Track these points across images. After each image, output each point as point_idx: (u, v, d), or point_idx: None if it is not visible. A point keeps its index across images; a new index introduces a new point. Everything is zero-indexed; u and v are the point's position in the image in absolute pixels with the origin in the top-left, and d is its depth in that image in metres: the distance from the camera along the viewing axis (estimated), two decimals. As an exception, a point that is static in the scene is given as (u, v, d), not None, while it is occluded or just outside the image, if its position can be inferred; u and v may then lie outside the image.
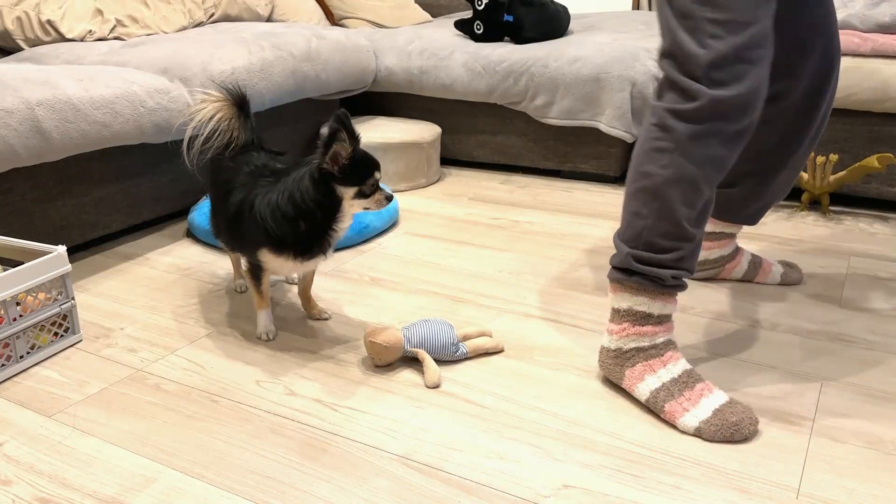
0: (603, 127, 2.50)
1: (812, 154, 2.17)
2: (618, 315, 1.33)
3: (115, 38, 2.51)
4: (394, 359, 1.45)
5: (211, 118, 1.54)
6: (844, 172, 2.16)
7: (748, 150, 1.56)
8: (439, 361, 1.46)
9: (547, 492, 1.11)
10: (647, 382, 1.30)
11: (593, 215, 2.30)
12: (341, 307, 1.72)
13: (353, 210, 1.42)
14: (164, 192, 2.19)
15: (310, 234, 1.41)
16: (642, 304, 1.30)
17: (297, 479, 1.15)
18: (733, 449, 1.20)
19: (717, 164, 1.24)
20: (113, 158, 2.04)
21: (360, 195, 1.40)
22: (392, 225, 2.23)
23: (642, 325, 1.30)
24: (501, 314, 1.67)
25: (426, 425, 1.28)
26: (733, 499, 1.09)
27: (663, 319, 1.31)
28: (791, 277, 1.79)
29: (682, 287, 1.31)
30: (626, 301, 1.31)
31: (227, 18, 2.84)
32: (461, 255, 1.99)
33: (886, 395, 1.34)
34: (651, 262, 1.28)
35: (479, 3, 2.74)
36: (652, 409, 1.29)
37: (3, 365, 1.44)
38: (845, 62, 2.16)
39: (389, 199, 1.45)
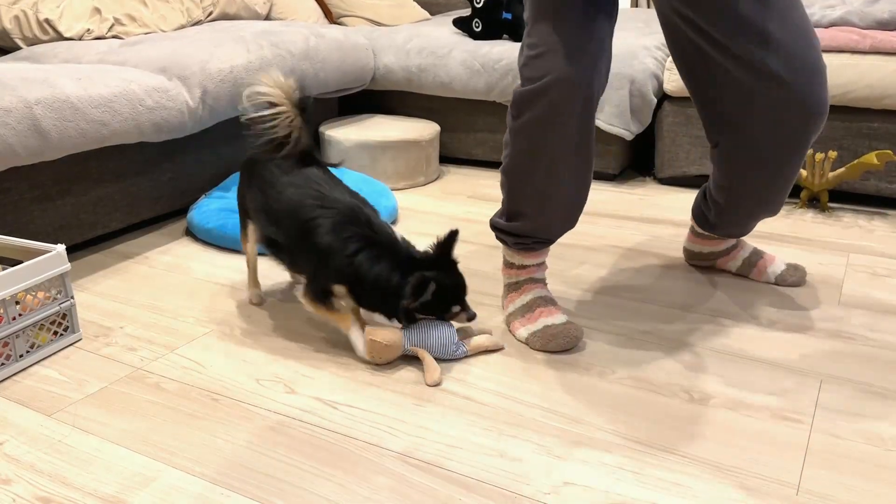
0: (602, 124, 2.50)
1: (811, 151, 2.17)
2: (503, 260, 1.66)
3: (114, 37, 2.51)
4: (393, 357, 1.45)
5: (272, 105, 1.46)
6: (843, 169, 2.16)
7: (723, 170, 1.57)
8: (440, 360, 1.46)
9: (547, 489, 1.11)
10: (508, 309, 1.61)
11: (592, 213, 2.30)
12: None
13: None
14: (163, 192, 2.19)
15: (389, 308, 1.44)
16: (510, 255, 1.62)
17: (298, 478, 1.15)
18: (733, 445, 1.20)
19: (541, 149, 1.43)
20: (112, 157, 2.03)
21: (440, 318, 1.48)
22: (391, 223, 2.23)
23: (510, 269, 1.63)
24: (501, 312, 1.67)
25: (426, 423, 1.28)
26: (733, 496, 1.09)
27: (525, 267, 1.60)
28: (787, 279, 1.76)
29: (531, 249, 1.57)
30: (503, 252, 1.64)
31: (225, 17, 2.84)
32: (460, 254, 1.99)
33: (886, 391, 1.34)
34: (499, 228, 1.59)
35: (478, 0, 2.74)
36: (506, 327, 1.60)
37: (2, 364, 1.44)
38: (844, 59, 2.16)
39: (472, 318, 1.47)
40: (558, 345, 1.48)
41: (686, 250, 1.88)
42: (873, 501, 1.08)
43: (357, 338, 1.47)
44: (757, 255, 1.80)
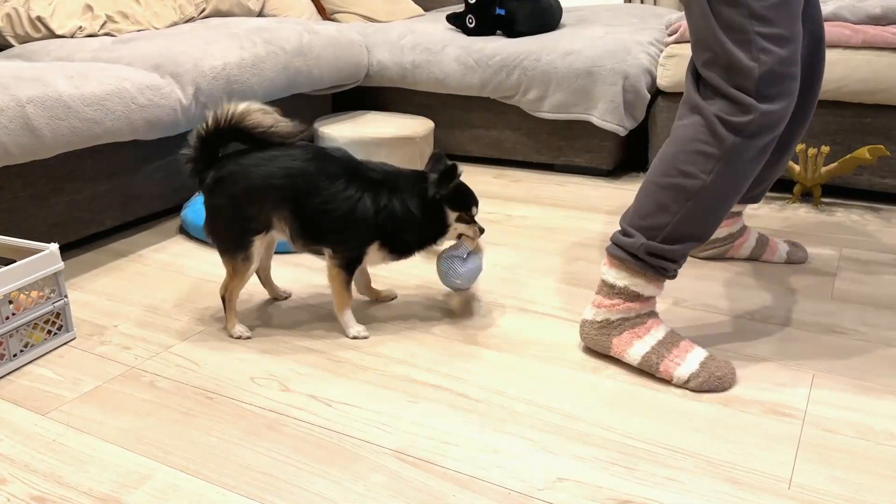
0: (596, 120, 2.50)
1: (804, 146, 2.18)
2: (612, 291, 1.39)
3: (106, 35, 2.50)
4: None
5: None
6: (836, 164, 2.17)
7: None
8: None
9: (541, 485, 1.12)
10: (636, 348, 1.38)
11: (587, 209, 2.30)
12: (332, 304, 1.72)
13: (455, 233, 1.59)
14: (156, 189, 2.19)
15: (417, 241, 1.57)
16: (639, 286, 1.37)
17: (293, 475, 1.15)
18: (726, 440, 1.21)
19: (748, 175, 1.30)
20: (105, 156, 2.03)
21: (462, 220, 1.58)
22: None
23: (632, 302, 1.39)
24: (495, 308, 1.67)
25: (421, 420, 1.28)
26: (726, 490, 1.10)
27: (650, 299, 1.40)
28: (797, 256, 1.85)
29: (675, 276, 1.40)
30: (625, 280, 1.37)
31: (218, 14, 2.83)
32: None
33: (878, 385, 1.35)
34: (663, 255, 1.34)
35: (472, -4, 2.74)
36: (646, 370, 1.38)
37: (-4, 363, 1.44)
38: (836, 54, 2.17)
39: (482, 231, 1.62)
40: (724, 388, 1.34)
41: None
42: (865, 495, 1.08)
43: (350, 317, 1.57)
44: (764, 236, 1.86)
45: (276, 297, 1.74)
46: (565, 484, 1.12)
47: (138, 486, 1.14)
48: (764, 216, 2.19)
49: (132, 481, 1.15)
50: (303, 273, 1.88)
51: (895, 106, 2.16)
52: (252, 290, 1.77)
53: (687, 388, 1.34)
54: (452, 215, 1.56)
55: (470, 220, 1.58)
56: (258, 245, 1.52)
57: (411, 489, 1.12)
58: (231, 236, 1.51)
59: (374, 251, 1.55)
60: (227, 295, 1.57)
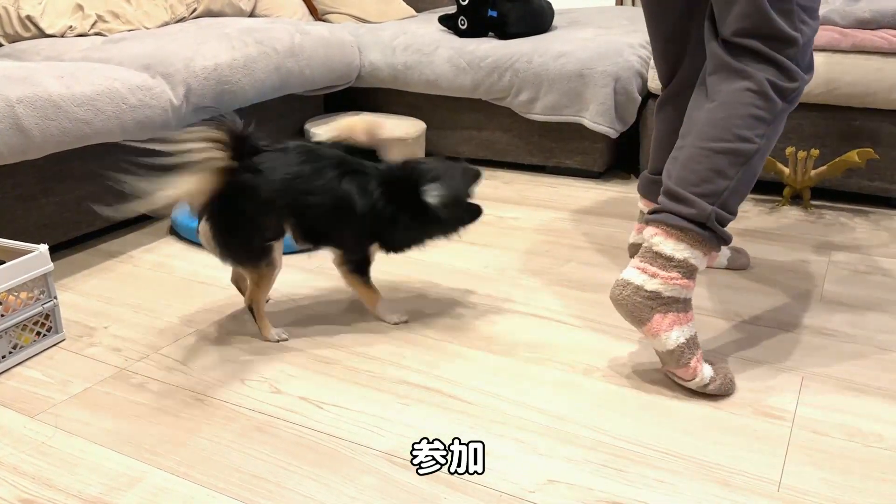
0: (587, 122, 2.51)
1: (793, 149, 2.19)
2: (670, 263, 1.31)
3: (97, 34, 2.49)
4: None
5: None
6: (825, 167, 2.18)
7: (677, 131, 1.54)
8: None
9: (532, 487, 1.12)
10: (676, 333, 1.31)
11: (578, 211, 2.30)
12: (325, 304, 1.72)
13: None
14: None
15: (413, 240, 1.57)
16: (697, 258, 1.31)
17: (284, 478, 1.15)
18: (716, 442, 1.21)
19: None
20: (95, 155, 2.02)
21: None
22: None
23: (688, 279, 1.31)
24: (486, 310, 1.68)
25: (412, 422, 1.28)
26: (716, 492, 1.11)
27: (696, 276, 1.34)
28: (738, 262, 1.86)
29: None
30: (685, 252, 1.30)
31: (209, 14, 2.82)
32: (445, 252, 1.99)
33: (866, 387, 1.36)
34: (725, 222, 1.32)
35: (464, -2, 2.74)
36: (673, 360, 1.32)
37: (-15, 365, 1.43)
38: (825, 57, 2.18)
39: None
40: (734, 387, 1.36)
41: (634, 245, 1.87)
42: (854, 496, 1.09)
43: (385, 306, 1.61)
44: None
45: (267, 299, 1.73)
46: (556, 486, 1.12)
47: (128, 489, 1.13)
48: (753, 218, 2.20)
49: (121, 484, 1.14)
50: (295, 274, 1.88)
51: (884, 109, 2.17)
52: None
53: (706, 391, 1.32)
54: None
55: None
56: (278, 248, 1.51)
57: (402, 491, 1.12)
58: (251, 247, 1.48)
59: (375, 250, 1.58)
60: (254, 305, 1.55)
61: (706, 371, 1.33)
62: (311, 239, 1.52)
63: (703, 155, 1.31)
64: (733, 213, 1.33)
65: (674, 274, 1.30)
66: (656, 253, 1.32)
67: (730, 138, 1.30)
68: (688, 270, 1.31)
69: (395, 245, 1.57)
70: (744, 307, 1.67)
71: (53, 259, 1.54)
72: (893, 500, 1.08)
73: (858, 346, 1.50)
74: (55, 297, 1.54)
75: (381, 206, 1.49)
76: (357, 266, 1.57)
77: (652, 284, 1.30)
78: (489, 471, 1.16)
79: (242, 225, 1.46)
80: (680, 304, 1.32)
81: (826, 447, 1.20)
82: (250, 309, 1.56)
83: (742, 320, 1.61)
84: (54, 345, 1.55)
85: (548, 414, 1.30)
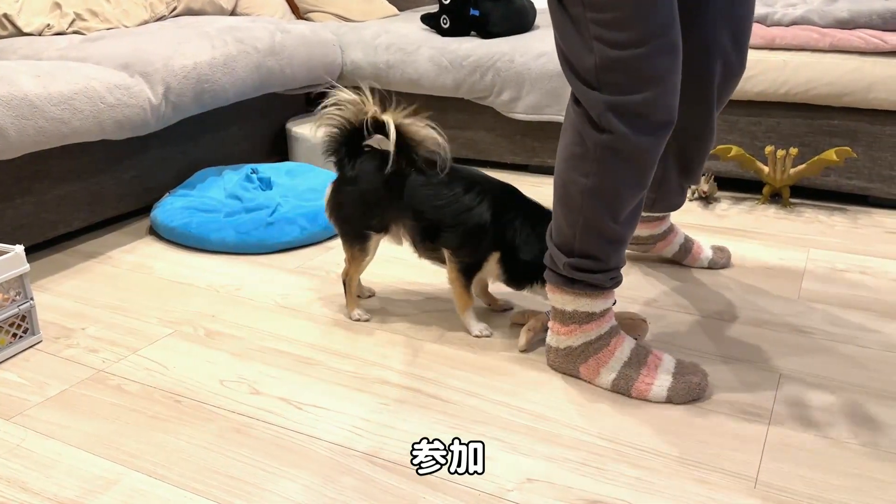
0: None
1: (772, 148, 2.21)
2: (563, 316, 1.35)
3: (75, 33, 2.46)
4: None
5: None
6: (804, 166, 2.20)
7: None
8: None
9: (511, 486, 1.12)
10: (603, 375, 1.34)
11: (560, 210, 2.31)
12: (306, 304, 1.71)
13: None
14: (126, 189, 2.16)
15: (532, 270, 1.48)
16: (585, 305, 1.33)
17: (263, 479, 1.14)
18: (694, 440, 1.22)
19: (638, 170, 1.21)
20: (74, 155, 2.00)
21: None
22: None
23: (587, 324, 1.34)
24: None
25: (392, 422, 1.28)
26: (694, 490, 1.11)
27: (605, 312, 1.35)
28: (720, 261, 1.86)
29: (619, 283, 1.35)
30: (570, 304, 1.34)
31: (189, 12, 2.80)
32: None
33: (843, 385, 1.37)
34: (588, 268, 1.30)
35: (446, -3, 2.74)
36: (624, 388, 1.33)
37: (-41, 368, 1.41)
38: (804, 57, 2.20)
39: None
40: (704, 393, 1.32)
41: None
42: (829, 493, 1.10)
43: (472, 317, 1.56)
44: (690, 241, 1.86)
45: (360, 295, 1.73)
46: (535, 485, 1.12)
47: (104, 492, 1.12)
48: (733, 217, 2.21)
49: (98, 486, 1.13)
50: (278, 274, 1.87)
51: (861, 109, 2.19)
52: (230, 294, 1.76)
53: (672, 402, 1.31)
54: None
55: None
56: (375, 241, 1.58)
57: (382, 492, 1.11)
58: (353, 228, 1.57)
59: (493, 263, 1.51)
60: (347, 280, 1.62)
61: (656, 391, 1.31)
62: (429, 239, 1.53)
63: (553, 205, 1.33)
64: (595, 257, 1.28)
65: (571, 326, 1.34)
66: (554, 309, 1.37)
67: (559, 183, 1.29)
68: (582, 319, 1.33)
69: (514, 268, 1.50)
70: (722, 305, 1.68)
71: (31, 260, 1.53)
72: (869, 497, 1.09)
73: (836, 344, 1.51)
74: (32, 299, 1.53)
75: (510, 219, 1.48)
76: (466, 269, 1.52)
77: (561, 342, 1.37)
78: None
79: (355, 204, 1.54)
80: (594, 345, 1.35)
81: (803, 444, 1.21)
82: (344, 282, 1.63)
83: (721, 318, 1.62)
84: (31, 346, 1.54)
85: (528, 413, 1.30)
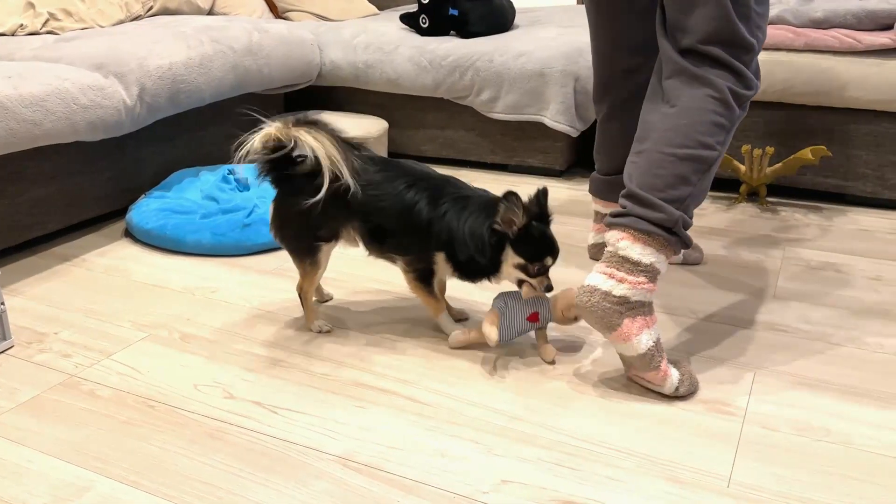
0: (548, 121, 2.51)
1: (749, 147, 2.22)
2: (637, 267, 1.29)
3: (49, 33, 2.44)
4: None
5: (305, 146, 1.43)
6: (780, 164, 2.22)
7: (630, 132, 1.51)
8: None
9: (486, 488, 1.12)
10: (645, 336, 1.30)
11: (539, 209, 2.31)
12: (283, 306, 1.70)
13: (511, 276, 1.44)
14: (102, 191, 2.14)
15: (477, 265, 1.44)
16: (662, 262, 1.31)
17: (235, 485, 1.14)
18: (668, 439, 1.23)
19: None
20: (48, 157, 1.98)
21: (523, 269, 1.41)
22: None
23: (654, 283, 1.31)
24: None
25: (368, 425, 1.27)
26: (666, 488, 1.12)
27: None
28: (692, 257, 1.89)
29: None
30: (651, 256, 1.30)
31: (166, 12, 2.78)
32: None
33: (817, 382, 1.38)
34: (688, 226, 1.34)
35: (424, -4, 2.73)
36: (644, 364, 1.31)
37: (-72, 374, 1.39)
38: (780, 56, 2.21)
39: (549, 289, 1.43)
40: (698, 385, 1.36)
41: (595, 245, 1.90)
42: (803, 491, 1.11)
43: (446, 321, 1.54)
44: None
45: (320, 299, 1.72)
46: (510, 486, 1.12)
47: (75, 499, 1.11)
48: (710, 215, 2.22)
49: (69, 494, 1.12)
50: (251, 276, 1.86)
51: (836, 108, 2.21)
52: (206, 297, 1.74)
53: (678, 394, 1.32)
54: (513, 258, 1.41)
55: (533, 275, 1.41)
56: (325, 251, 1.54)
57: (355, 496, 1.11)
58: (301, 242, 1.54)
59: (441, 262, 1.47)
60: (302, 294, 1.59)
61: (675, 374, 1.32)
62: (378, 242, 1.51)
63: (668, 161, 1.31)
64: (692, 218, 1.35)
65: (641, 279, 1.29)
66: (623, 257, 1.31)
67: (693, 145, 1.31)
68: (654, 274, 1.30)
69: (460, 266, 1.46)
70: (698, 304, 1.68)
71: (3, 263, 1.51)
72: (841, 494, 1.10)
73: (810, 342, 1.52)
74: (3, 303, 1.51)
75: (446, 218, 1.43)
76: (420, 274, 1.50)
77: (620, 290, 1.29)
78: (444, 472, 1.16)
79: (297, 218, 1.50)
80: (646, 308, 1.31)
81: (776, 442, 1.22)
82: (300, 295, 1.60)
83: (696, 317, 1.63)
84: (2, 352, 1.52)
85: (503, 413, 1.30)
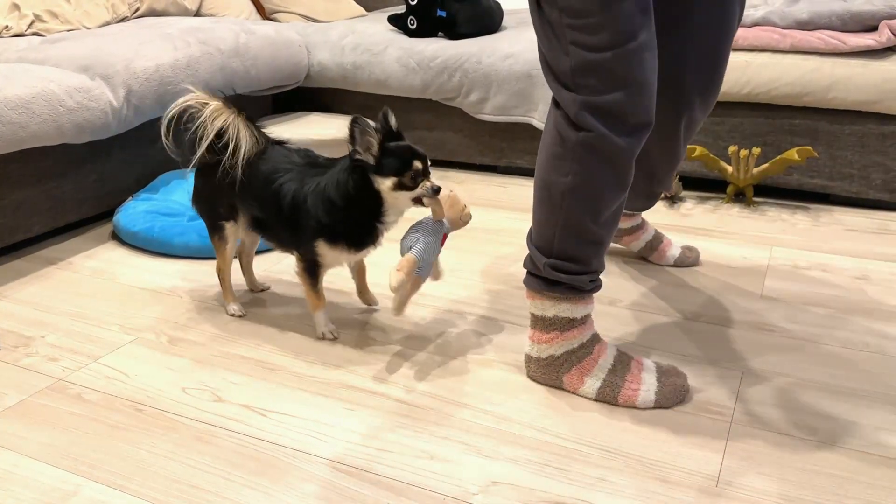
0: (536, 123, 2.52)
1: (736, 147, 2.24)
2: (544, 323, 1.33)
3: (34, 34, 2.42)
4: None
5: (214, 120, 1.51)
6: (767, 165, 2.23)
7: None
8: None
9: (475, 489, 1.12)
10: (587, 384, 1.32)
11: (528, 210, 2.31)
12: (271, 308, 1.70)
13: (398, 203, 1.42)
14: (88, 194, 2.13)
15: (360, 224, 1.44)
16: (566, 311, 1.31)
17: (224, 488, 1.13)
18: (656, 439, 1.23)
19: (617, 170, 1.22)
20: (33, 159, 1.96)
21: (401, 187, 1.39)
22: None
23: (569, 330, 1.32)
24: (434, 311, 1.67)
25: (357, 427, 1.27)
26: (655, 489, 1.12)
27: (586, 319, 1.34)
28: (687, 260, 1.88)
29: (599, 287, 1.33)
30: (551, 310, 1.32)
31: (152, 13, 2.76)
32: (395, 252, 1.98)
33: (804, 382, 1.39)
34: (568, 270, 1.28)
35: (412, -2, 2.73)
36: (610, 396, 1.31)
37: (-88, 379, 1.38)
38: (766, 57, 2.23)
39: (437, 190, 1.40)
40: (686, 389, 1.33)
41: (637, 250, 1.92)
42: (789, 489, 1.12)
43: (321, 318, 1.55)
44: (658, 238, 1.88)
45: (253, 288, 1.78)
46: (499, 487, 1.13)
47: (62, 503, 1.10)
48: (697, 216, 2.24)
49: (55, 498, 1.11)
50: (240, 279, 1.85)
51: (822, 108, 2.23)
52: (193, 299, 1.74)
53: (660, 408, 1.30)
54: (385, 182, 1.39)
55: (412, 185, 1.39)
56: (230, 229, 1.61)
57: (344, 498, 1.11)
58: (208, 217, 1.63)
59: (325, 249, 1.45)
60: (219, 273, 1.66)
61: (644, 396, 1.30)
62: (260, 231, 1.59)
63: (533, 205, 1.32)
64: (575, 259, 1.27)
65: (552, 334, 1.32)
66: (532, 315, 1.35)
67: (540, 184, 1.28)
68: (564, 325, 1.31)
69: (349, 238, 1.46)
70: (685, 304, 1.69)
71: (-14, 267, 1.49)
72: (828, 493, 1.11)
73: (797, 342, 1.53)
74: (-12, 307, 1.50)
75: (308, 193, 1.45)
76: (307, 266, 1.50)
77: (542, 351, 1.34)
78: (434, 474, 1.16)
79: (206, 196, 1.60)
80: (576, 354, 1.32)
81: (763, 442, 1.23)
82: (218, 275, 1.67)
83: (684, 317, 1.64)
84: (-12, 356, 1.51)
85: (492, 415, 1.30)
